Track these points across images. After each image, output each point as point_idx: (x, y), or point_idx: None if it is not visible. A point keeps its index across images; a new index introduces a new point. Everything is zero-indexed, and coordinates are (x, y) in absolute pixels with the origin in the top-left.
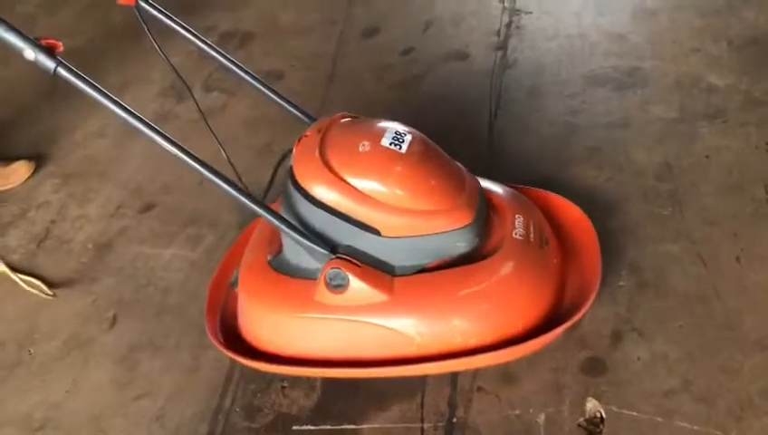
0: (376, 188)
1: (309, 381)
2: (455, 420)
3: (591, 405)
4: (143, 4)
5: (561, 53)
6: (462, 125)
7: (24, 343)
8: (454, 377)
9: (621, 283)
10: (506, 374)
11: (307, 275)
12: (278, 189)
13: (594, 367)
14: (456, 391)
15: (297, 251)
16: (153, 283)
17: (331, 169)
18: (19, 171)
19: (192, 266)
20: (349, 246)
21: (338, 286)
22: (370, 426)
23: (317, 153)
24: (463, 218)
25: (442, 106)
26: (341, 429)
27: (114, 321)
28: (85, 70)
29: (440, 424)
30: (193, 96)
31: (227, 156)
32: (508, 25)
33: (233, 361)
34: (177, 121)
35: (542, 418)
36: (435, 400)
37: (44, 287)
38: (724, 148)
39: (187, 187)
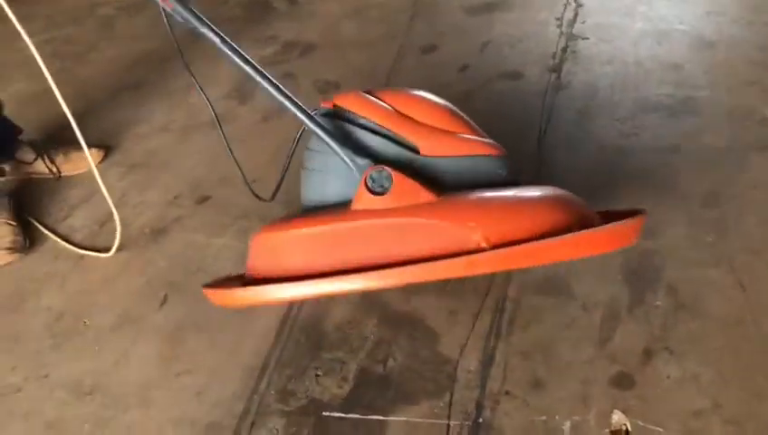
0: (415, 109)
1: (342, 371)
2: (481, 420)
3: (618, 417)
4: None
5: (616, 78)
6: (512, 140)
7: (81, 314)
8: (483, 380)
9: (658, 302)
10: (535, 381)
11: (337, 203)
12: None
13: (623, 382)
14: (484, 393)
15: (323, 183)
16: (203, 269)
17: (370, 94)
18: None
19: (241, 257)
20: (387, 161)
21: (380, 188)
22: (398, 418)
23: (357, 89)
24: (499, 150)
25: (494, 121)
26: (370, 419)
27: (165, 301)
28: (155, 71)
29: (466, 423)
30: (206, 97)
31: (235, 159)
32: (564, 49)
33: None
34: (239, 121)
35: (567, 425)
36: (463, 399)
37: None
38: None
39: (242, 182)
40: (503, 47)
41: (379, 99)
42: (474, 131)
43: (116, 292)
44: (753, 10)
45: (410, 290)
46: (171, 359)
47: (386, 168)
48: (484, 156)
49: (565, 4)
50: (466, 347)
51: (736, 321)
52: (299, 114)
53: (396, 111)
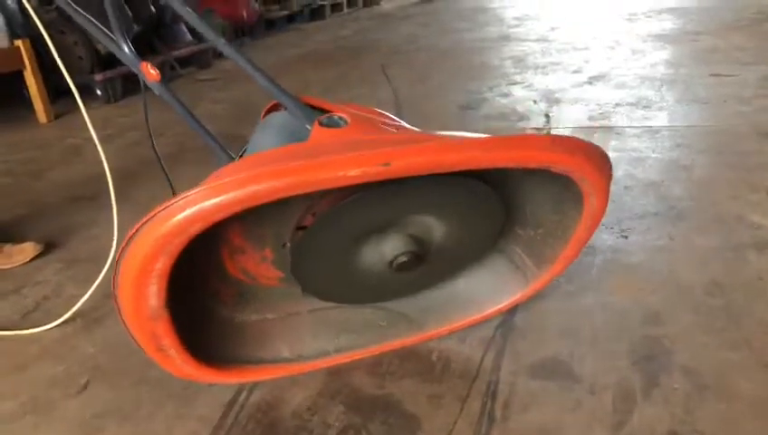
0: (365, 111)
1: None
2: None
3: None
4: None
5: None
6: None
7: None
8: None
9: (675, 385)
10: None
11: None
12: None
13: None
14: None
15: (271, 139)
16: (137, 354)
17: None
18: (25, 251)
19: None
20: None
21: (336, 125)
22: None
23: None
24: None
25: None
26: None
27: (85, 387)
28: (118, 186)
29: None
30: (153, 144)
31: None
32: None
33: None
34: None
35: None
36: None
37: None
38: None
39: None
40: None
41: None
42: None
43: (26, 379)
44: (718, 144)
45: (384, 374)
46: None
47: (337, 114)
48: None
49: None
50: (453, 432)
51: None
52: (262, 79)
53: (347, 107)
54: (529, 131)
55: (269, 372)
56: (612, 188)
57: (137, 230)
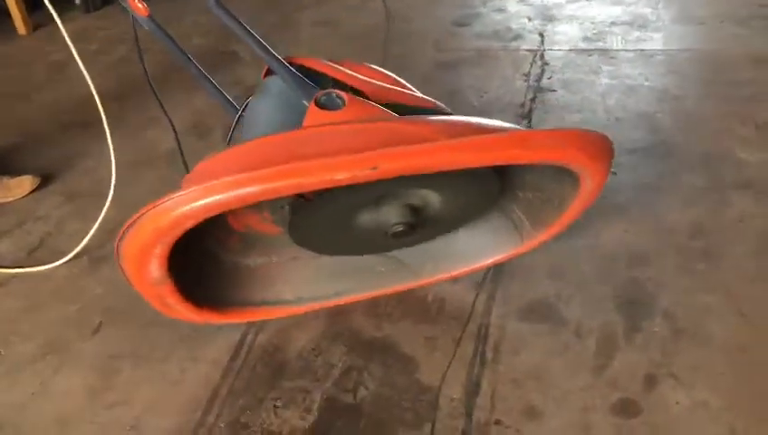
0: (362, 70)
1: (305, 401)
2: None
3: None
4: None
5: (586, 124)
6: None
7: None
8: (469, 409)
9: (655, 329)
10: (529, 409)
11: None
12: None
13: (627, 409)
14: (471, 422)
15: (267, 118)
16: None
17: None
18: (23, 184)
19: None
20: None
21: (333, 106)
22: None
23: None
24: (441, 106)
25: None
26: None
27: (98, 328)
28: (107, 111)
29: None
30: (144, 68)
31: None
32: (533, 100)
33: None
34: (196, 156)
35: None
36: (446, 429)
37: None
38: (758, 215)
39: None
40: (471, 97)
41: (332, 64)
42: (415, 95)
43: (41, 320)
44: (712, 71)
45: (382, 315)
46: (100, 390)
47: (335, 90)
48: (427, 108)
49: (531, 63)
50: (448, 374)
51: (740, 347)
52: (255, 46)
53: (344, 68)
54: (522, 53)
55: (269, 313)
56: (603, 117)
57: (133, 222)
